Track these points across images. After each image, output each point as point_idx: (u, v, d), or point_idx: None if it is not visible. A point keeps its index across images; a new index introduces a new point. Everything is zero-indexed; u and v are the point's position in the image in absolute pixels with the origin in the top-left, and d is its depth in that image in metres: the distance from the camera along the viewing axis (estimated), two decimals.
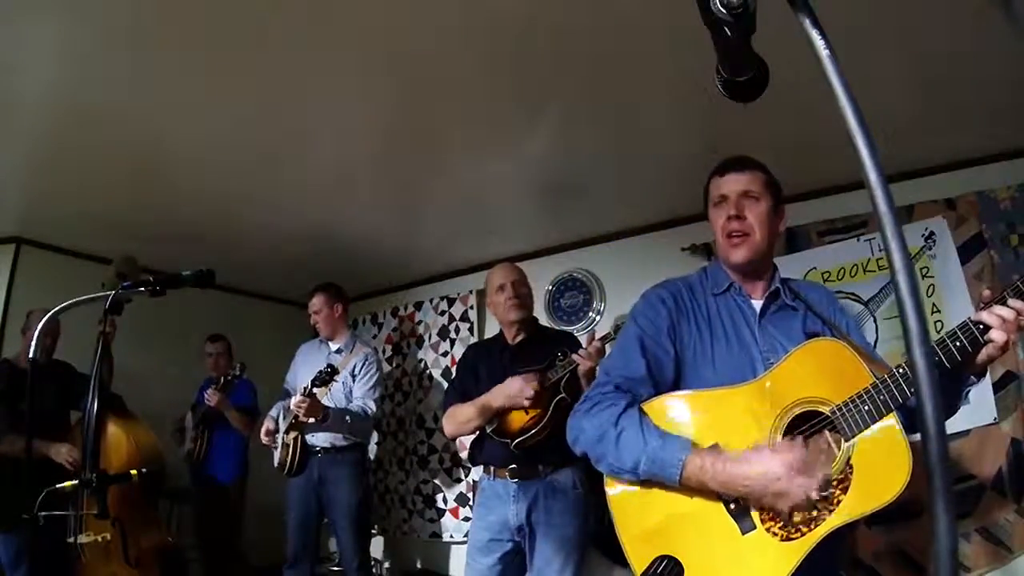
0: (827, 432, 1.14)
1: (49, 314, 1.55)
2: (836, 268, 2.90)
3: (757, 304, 1.37)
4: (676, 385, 1.31)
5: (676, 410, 1.25)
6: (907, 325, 0.35)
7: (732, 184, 1.35)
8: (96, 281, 1.75)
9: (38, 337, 1.60)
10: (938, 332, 2.59)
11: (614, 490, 1.25)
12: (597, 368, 1.35)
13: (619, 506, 1.24)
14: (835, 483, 1.10)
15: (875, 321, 2.79)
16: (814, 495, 1.03)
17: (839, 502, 1.09)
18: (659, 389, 1.29)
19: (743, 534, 1.13)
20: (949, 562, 0.33)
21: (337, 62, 2.07)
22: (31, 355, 1.65)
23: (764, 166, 1.38)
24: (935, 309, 2.66)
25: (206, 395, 3.39)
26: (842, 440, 1.13)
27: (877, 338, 2.78)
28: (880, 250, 2.79)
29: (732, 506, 1.14)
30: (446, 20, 1.86)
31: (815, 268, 2.94)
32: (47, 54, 1.98)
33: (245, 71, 2.10)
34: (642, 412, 1.24)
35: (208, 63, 2.05)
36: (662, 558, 1.09)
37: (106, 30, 1.88)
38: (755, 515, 1.13)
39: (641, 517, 1.21)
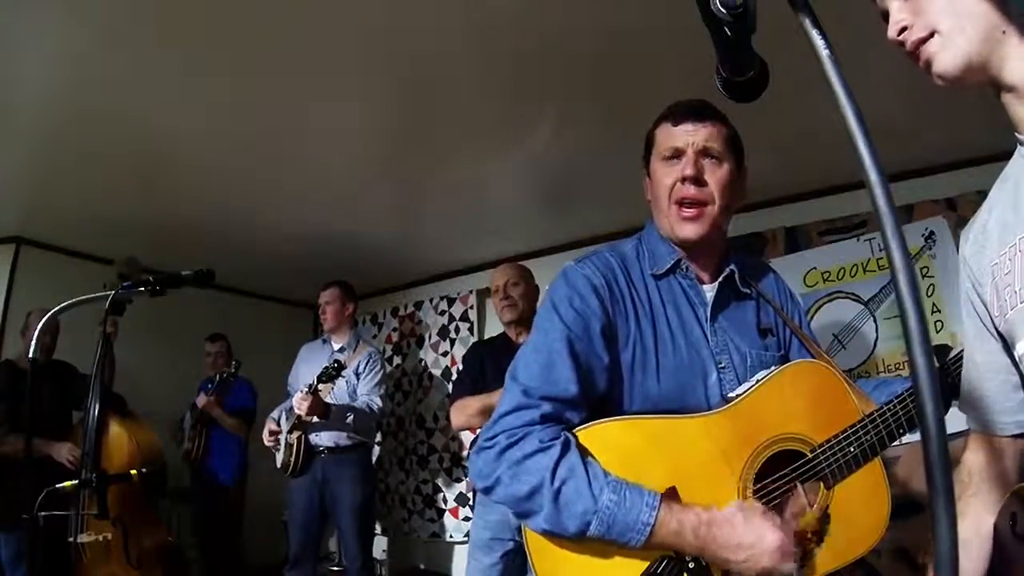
0: (800, 487, 0.97)
1: (49, 314, 1.55)
2: (836, 268, 2.90)
3: (708, 291, 1.11)
4: (606, 399, 1.02)
5: (620, 442, 0.97)
6: (907, 325, 0.35)
7: (689, 136, 1.05)
8: (96, 281, 1.75)
9: (37, 337, 1.60)
10: (938, 332, 2.61)
11: (537, 543, 0.96)
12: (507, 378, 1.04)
13: (546, 564, 0.96)
14: (810, 534, 0.96)
15: (875, 321, 2.79)
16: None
17: (812, 555, 0.96)
18: (590, 407, 1.00)
19: None
20: (950, 562, 0.33)
21: (337, 62, 2.07)
22: (31, 355, 1.65)
23: (724, 116, 1.09)
24: (935, 309, 2.66)
25: (197, 399, 3.39)
26: (821, 486, 0.97)
27: (877, 338, 2.78)
28: (880, 250, 2.79)
29: (691, 565, 0.93)
30: (446, 20, 1.86)
31: (815, 268, 2.94)
32: (47, 54, 1.98)
33: (245, 71, 2.10)
34: (580, 450, 0.94)
35: (208, 63, 2.05)
36: (662, 558, 0.92)
37: (106, 30, 1.88)
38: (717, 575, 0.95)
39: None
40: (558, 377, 0.97)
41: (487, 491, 0.98)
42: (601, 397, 1.02)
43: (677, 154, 1.06)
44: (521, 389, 0.98)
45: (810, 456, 0.98)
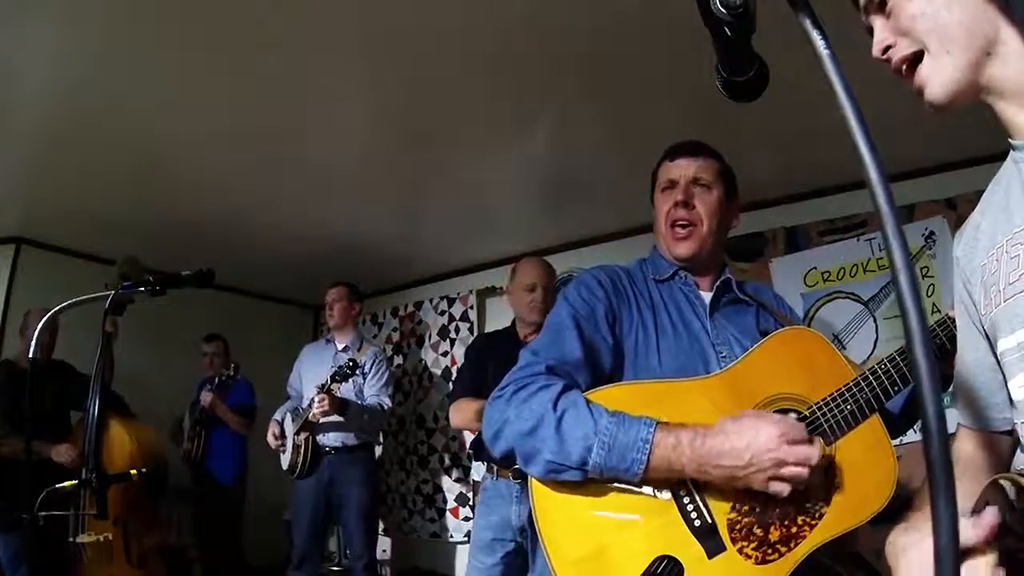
0: None
1: (49, 314, 1.54)
2: (836, 268, 2.90)
3: (706, 295, 1.22)
4: (613, 379, 1.09)
5: (624, 402, 1.00)
6: (907, 325, 0.35)
7: (682, 169, 1.21)
8: (96, 281, 1.75)
9: (37, 337, 1.60)
10: None
11: (543, 501, 0.98)
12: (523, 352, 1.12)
13: (550, 523, 0.97)
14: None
15: (875, 321, 2.79)
16: (815, 460, 0.87)
17: (821, 515, 0.94)
18: (596, 380, 1.06)
19: (710, 558, 0.91)
20: (950, 563, 0.33)
21: (337, 62, 2.07)
22: (31, 355, 1.65)
23: (718, 154, 1.25)
24: (935, 309, 2.66)
25: (201, 396, 3.39)
26: (821, 442, 0.96)
27: (877, 338, 2.78)
28: (880, 250, 2.79)
29: (697, 523, 0.93)
30: (446, 20, 1.86)
31: (815, 268, 2.94)
32: (47, 54, 1.98)
33: (245, 71, 2.10)
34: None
35: (208, 63, 2.05)
36: (662, 558, 0.90)
37: (106, 30, 1.88)
38: (724, 534, 0.93)
39: (580, 537, 0.95)
40: (564, 343, 1.07)
41: (496, 437, 1.02)
42: (606, 377, 1.08)
43: (672, 185, 1.22)
44: (531, 352, 1.09)
45: (807, 413, 1.00)
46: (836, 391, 0.99)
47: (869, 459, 0.97)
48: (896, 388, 0.98)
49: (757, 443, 0.87)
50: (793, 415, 0.99)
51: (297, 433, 2.90)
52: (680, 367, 1.09)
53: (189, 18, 1.83)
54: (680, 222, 1.19)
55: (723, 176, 1.23)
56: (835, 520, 0.94)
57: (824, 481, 0.95)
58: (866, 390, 0.97)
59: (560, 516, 0.97)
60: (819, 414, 0.99)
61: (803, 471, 0.86)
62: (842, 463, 0.97)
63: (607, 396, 1.01)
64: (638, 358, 1.11)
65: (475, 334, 3.97)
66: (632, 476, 0.91)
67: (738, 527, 0.93)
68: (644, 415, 0.94)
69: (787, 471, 0.87)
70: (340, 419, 2.86)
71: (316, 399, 2.75)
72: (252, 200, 3.15)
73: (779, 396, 1.01)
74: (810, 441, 0.90)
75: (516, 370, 1.06)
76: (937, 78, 0.70)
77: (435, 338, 4.19)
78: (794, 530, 0.93)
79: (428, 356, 4.20)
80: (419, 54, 2.03)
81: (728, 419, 0.92)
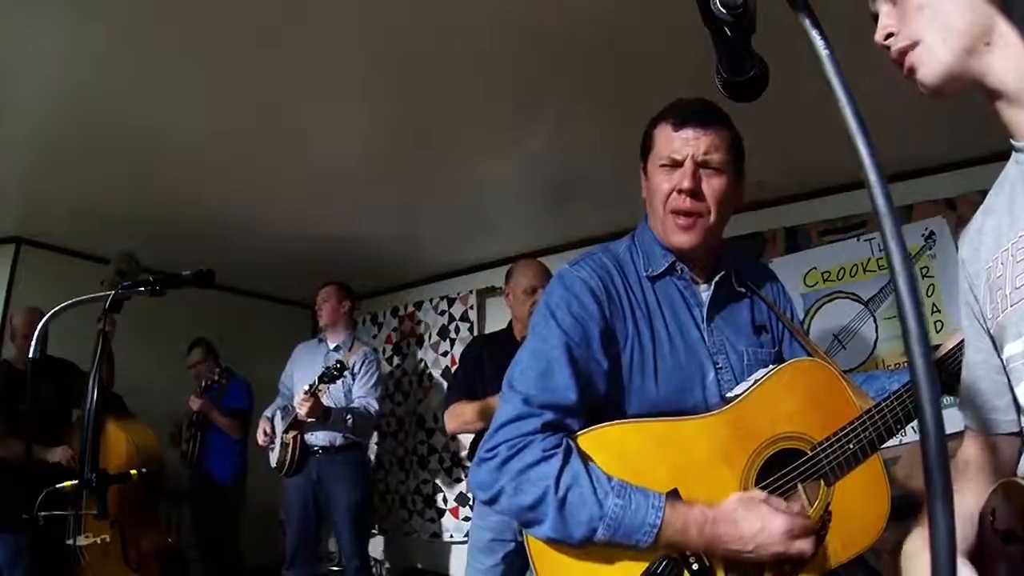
0: (800, 486, 0.98)
1: (49, 314, 1.54)
2: (836, 268, 2.90)
3: (704, 292, 1.11)
4: (605, 402, 1.02)
5: (623, 445, 0.97)
6: (907, 325, 0.35)
7: (689, 145, 1.02)
8: (96, 281, 1.75)
9: (37, 336, 1.60)
10: (938, 332, 2.61)
11: (538, 545, 0.96)
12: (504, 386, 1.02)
13: (546, 567, 0.96)
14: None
15: (875, 321, 2.79)
16: (808, 554, 0.91)
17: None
18: (590, 412, 0.99)
19: None
20: (948, 563, 0.33)
21: (337, 62, 2.07)
22: (31, 355, 1.65)
23: (727, 117, 1.06)
24: (935, 309, 2.66)
25: (190, 400, 3.39)
26: (822, 484, 0.98)
27: (877, 337, 2.78)
28: (880, 250, 2.79)
29: (695, 566, 0.93)
30: (446, 20, 1.86)
31: (815, 268, 2.94)
32: (47, 54, 1.99)
33: (245, 71, 2.10)
34: (582, 457, 0.94)
35: (208, 63, 2.05)
36: (663, 558, 0.92)
37: (106, 30, 1.88)
38: (720, 571, 0.95)
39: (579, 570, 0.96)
40: (556, 385, 0.97)
41: (490, 502, 0.97)
42: (600, 401, 1.01)
43: (675, 164, 1.04)
44: (521, 398, 0.97)
45: (810, 454, 0.98)
46: (840, 430, 0.98)
47: (865, 499, 0.98)
48: (899, 426, 0.97)
49: (764, 536, 0.90)
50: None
51: (286, 431, 2.91)
52: (678, 387, 1.04)
53: (189, 18, 1.83)
54: (684, 213, 1.04)
55: (734, 151, 1.06)
56: (828, 557, 0.97)
57: (821, 521, 0.97)
58: (870, 429, 0.96)
59: (557, 558, 0.96)
60: (822, 455, 0.98)
61: (800, 555, 0.92)
62: (838, 505, 0.98)
63: (605, 441, 0.98)
64: (633, 380, 1.03)
65: (475, 334, 3.97)
66: (637, 548, 0.91)
67: (736, 566, 0.96)
68: (647, 487, 0.92)
69: (786, 556, 0.92)
70: (324, 422, 2.87)
71: (299, 400, 2.76)
72: (252, 200, 3.15)
73: (783, 435, 1.00)
74: (814, 531, 0.93)
75: (506, 423, 0.96)
76: (930, 59, 0.71)
77: (435, 338, 4.19)
78: (787, 568, 0.96)
79: (428, 356, 4.20)
80: (419, 54, 2.03)
81: (739, 505, 0.92)
